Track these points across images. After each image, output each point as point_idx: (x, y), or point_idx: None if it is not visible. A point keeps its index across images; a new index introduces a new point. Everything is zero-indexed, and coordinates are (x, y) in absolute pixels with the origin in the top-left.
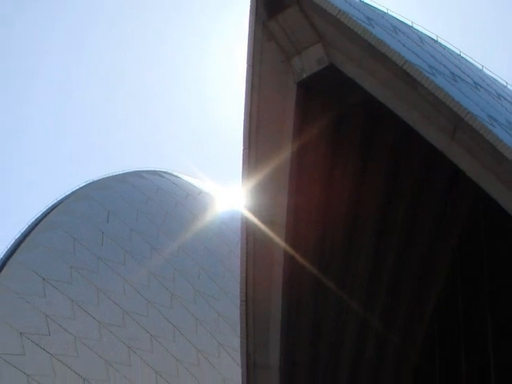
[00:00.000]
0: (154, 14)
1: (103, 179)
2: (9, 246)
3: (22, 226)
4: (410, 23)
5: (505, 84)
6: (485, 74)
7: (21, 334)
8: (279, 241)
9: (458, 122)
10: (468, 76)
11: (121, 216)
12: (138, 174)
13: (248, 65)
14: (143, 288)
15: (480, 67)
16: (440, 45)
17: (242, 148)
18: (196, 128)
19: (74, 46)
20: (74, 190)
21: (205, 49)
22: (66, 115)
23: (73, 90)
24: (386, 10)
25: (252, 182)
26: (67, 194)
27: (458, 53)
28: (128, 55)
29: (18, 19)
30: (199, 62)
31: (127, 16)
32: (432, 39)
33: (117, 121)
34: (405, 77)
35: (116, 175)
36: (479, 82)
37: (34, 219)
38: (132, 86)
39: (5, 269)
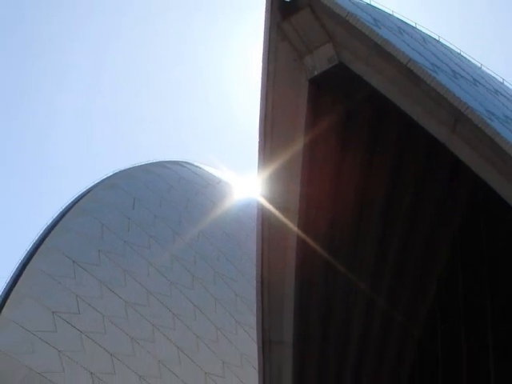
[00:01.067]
0: (178, 17)
1: (129, 169)
2: (42, 231)
3: (54, 213)
4: (413, 24)
5: (501, 81)
6: (483, 72)
7: (53, 312)
8: (292, 226)
9: (458, 116)
10: (467, 73)
11: (145, 203)
12: (161, 165)
13: (263, 63)
14: (166, 270)
15: (479, 65)
16: (441, 44)
17: (258, 140)
18: (215, 122)
19: (104, 45)
20: (102, 179)
21: (224, 48)
22: (95, 112)
23: (103, 87)
24: (391, 12)
25: (267, 172)
26: (96, 182)
27: (459, 52)
28: (153, 54)
29: (52, 21)
30: (218, 61)
31: (154, 18)
32: (434, 39)
33: (142, 116)
34: (409, 74)
35: (141, 165)
36: (478, 79)
37: (65, 206)
38: (157, 84)
39: (38, 252)
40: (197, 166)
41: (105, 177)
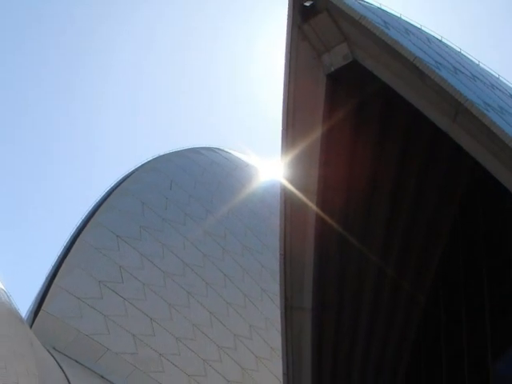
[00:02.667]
0: (212, 18)
1: (167, 154)
2: (89, 209)
3: (101, 193)
4: (419, 26)
5: (497, 76)
6: (481, 68)
7: (99, 281)
8: (311, 205)
9: (458, 108)
10: (467, 69)
11: (181, 185)
12: (195, 150)
13: (286, 60)
14: (200, 244)
15: (476, 62)
16: (444, 44)
17: (281, 129)
18: (244, 113)
19: (146, 43)
20: (143, 163)
21: (252, 47)
22: (139, 106)
23: (146, 83)
24: (399, 15)
25: (289, 157)
26: (137, 166)
27: (459, 50)
28: (190, 51)
29: (100, 20)
30: (247, 58)
31: (191, 18)
32: (437, 39)
33: (180, 107)
34: (415, 70)
35: (178, 151)
36: (476, 75)
37: (110, 187)
38: (194, 79)
39: (86, 228)
40: (227, 152)
41: (145, 161)
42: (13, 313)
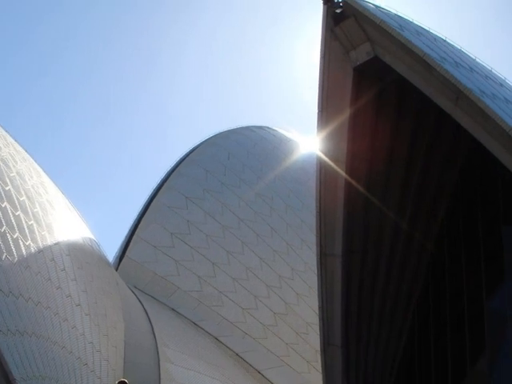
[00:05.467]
0: (264, 23)
1: (225, 132)
2: (163, 176)
3: (172, 162)
4: (427, 28)
5: (490, 69)
6: (477, 62)
7: (171, 233)
8: (341, 172)
9: (459, 94)
10: (465, 63)
11: (237, 156)
12: (248, 128)
13: (321, 56)
14: (252, 203)
15: (473, 57)
16: (447, 43)
17: (317, 111)
18: (288, 98)
19: (211, 40)
20: (205, 139)
21: (294, 46)
22: (206, 93)
23: (210, 77)
24: (411, 20)
25: (323, 133)
26: (201, 142)
27: (459, 48)
28: (245, 50)
29: (173, 21)
30: (290, 55)
31: (247, 23)
32: (442, 39)
33: (237, 94)
34: (424, 64)
35: (233, 129)
36: (473, 68)
37: (179, 158)
38: (248, 72)
39: (161, 191)
40: (273, 129)
41: (208, 137)
42: (102, 258)
